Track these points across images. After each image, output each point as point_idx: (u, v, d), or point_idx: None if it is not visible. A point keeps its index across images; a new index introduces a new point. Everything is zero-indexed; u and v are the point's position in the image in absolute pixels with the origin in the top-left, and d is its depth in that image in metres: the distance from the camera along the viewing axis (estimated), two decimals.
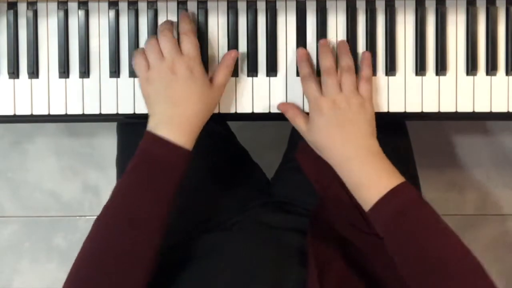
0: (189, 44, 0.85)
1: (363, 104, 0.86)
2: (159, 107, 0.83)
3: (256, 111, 0.92)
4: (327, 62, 0.87)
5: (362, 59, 0.90)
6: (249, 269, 0.82)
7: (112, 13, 0.92)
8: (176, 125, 0.81)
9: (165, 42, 0.85)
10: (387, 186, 0.80)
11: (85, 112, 0.92)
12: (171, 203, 0.81)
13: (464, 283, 0.75)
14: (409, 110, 0.92)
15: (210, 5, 0.92)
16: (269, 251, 0.87)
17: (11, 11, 0.91)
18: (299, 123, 0.88)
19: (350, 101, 0.85)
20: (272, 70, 0.91)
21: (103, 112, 0.92)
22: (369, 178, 0.81)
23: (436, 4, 0.92)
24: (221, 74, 0.88)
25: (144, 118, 0.88)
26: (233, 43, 0.91)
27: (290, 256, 0.86)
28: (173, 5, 0.92)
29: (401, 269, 0.78)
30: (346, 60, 0.88)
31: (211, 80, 0.87)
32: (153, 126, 0.82)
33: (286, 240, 0.89)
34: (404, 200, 0.79)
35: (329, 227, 0.91)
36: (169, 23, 0.88)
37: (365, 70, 0.89)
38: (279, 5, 0.92)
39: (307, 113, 0.88)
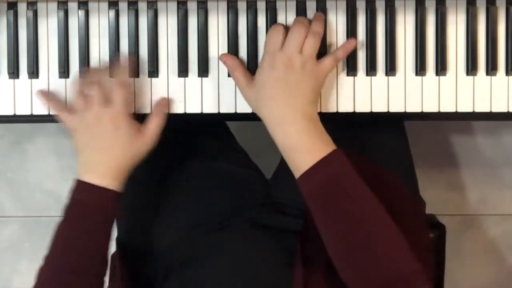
0: (118, 98, 0.85)
1: (316, 72, 0.85)
2: (85, 155, 0.86)
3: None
4: (302, 18, 0.87)
5: (346, 42, 0.89)
6: (242, 269, 0.83)
7: (112, 13, 0.92)
8: (102, 172, 0.84)
9: (94, 92, 0.85)
10: (320, 152, 0.79)
11: None
12: (107, 239, 0.84)
13: (384, 254, 0.76)
14: (409, 110, 0.92)
15: (210, 5, 0.92)
16: (261, 252, 0.87)
17: (11, 11, 0.91)
18: (238, 75, 0.87)
19: (305, 63, 0.84)
20: None
21: None
22: (305, 143, 0.80)
23: (436, 4, 0.92)
24: (152, 123, 0.88)
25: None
26: (233, 43, 0.91)
27: (282, 257, 0.86)
28: (173, 5, 0.92)
29: (326, 240, 0.79)
30: (318, 26, 0.87)
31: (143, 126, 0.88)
32: (80, 172, 0.85)
33: (279, 241, 0.89)
34: (335, 167, 0.79)
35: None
36: (100, 70, 0.89)
37: (340, 52, 0.88)
38: (279, 5, 0.92)
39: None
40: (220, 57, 0.90)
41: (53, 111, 0.89)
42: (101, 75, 0.88)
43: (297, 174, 0.80)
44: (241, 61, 0.90)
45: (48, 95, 0.90)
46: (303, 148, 0.80)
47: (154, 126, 0.88)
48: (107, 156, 0.84)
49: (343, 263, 0.78)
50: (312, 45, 0.85)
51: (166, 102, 0.90)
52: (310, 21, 0.88)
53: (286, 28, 0.87)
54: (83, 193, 0.84)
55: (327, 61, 0.86)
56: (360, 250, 0.76)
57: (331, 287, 0.81)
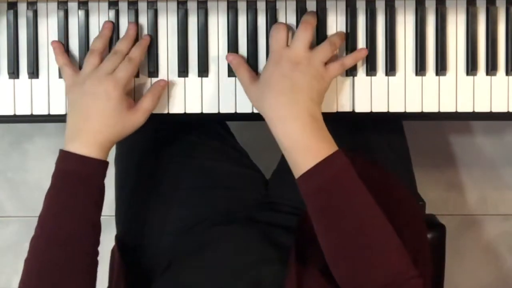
0: (124, 70, 0.86)
1: (322, 74, 0.84)
2: (73, 117, 0.85)
3: (255, 111, 0.92)
4: (309, 17, 0.86)
5: (357, 51, 0.89)
6: (233, 267, 0.83)
7: (112, 13, 0.92)
8: (86, 139, 0.83)
9: (109, 59, 0.86)
10: (323, 152, 0.79)
11: None
12: (97, 208, 0.84)
13: (381, 259, 0.76)
14: (409, 110, 0.92)
15: (210, 5, 0.92)
16: (255, 249, 0.87)
17: (11, 11, 0.91)
18: (243, 73, 0.87)
19: (312, 63, 0.83)
20: None
21: None
22: (307, 141, 0.79)
23: (436, 4, 0.92)
24: (146, 100, 0.87)
25: None
26: (233, 43, 0.91)
27: (276, 254, 0.86)
28: (173, 5, 0.92)
29: (322, 241, 0.79)
30: (337, 38, 0.87)
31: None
32: (67, 139, 0.85)
33: (275, 238, 0.90)
34: (337, 168, 0.79)
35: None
36: (129, 40, 0.90)
37: (348, 60, 0.87)
38: (279, 5, 0.92)
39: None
40: (226, 57, 0.89)
41: (59, 63, 0.90)
42: (119, 45, 0.89)
43: (298, 173, 0.80)
44: (245, 59, 0.89)
45: (60, 46, 0.90)
46: (305, 146, 0.79)
47: (146, 105, 0.87)
48: (93, 123, 0.83)
49: (338, 266, 0.78)
50: (324, 50, 0.85)
51: (164, 84, 0.90)
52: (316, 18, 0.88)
53: (288, 27, 0.87)
54: (67, 162, 0.83)
55: (334, 66, 0.85)
56: (356, 254, 0.76)
57: (325, 284, 0.81)
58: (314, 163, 0.78)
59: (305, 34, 0.84)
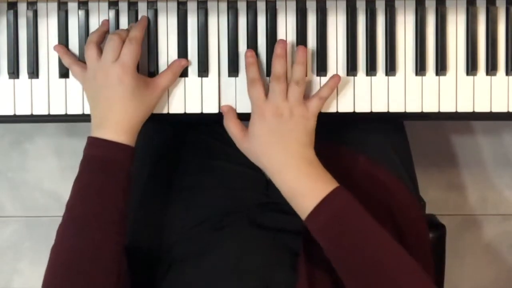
0: (127, 52, 0.86)
1: (305, 116, 0.86)
2: (96, 109, 0.87)
3: None
4: (278, 69, 0.87)
5: (329, 80, 0.89)
6: (238, 270, 0.83)
7: (112, 13, 0.92)
8: (113, 125, 0.84)
9: (108, 46, 0.86)
10: (322, 192, 0.80)
11: (85, 112, 0.92)
12: (124, 194, 0.84)
13: (401, 283, 0.76)
14: (409, 110, 0.92)
15: (210, 5, 0.92)
16: (261, 252, 0.87)
17: (11, 11, 0.91)
18: (233, 127, 0.88)
19: (293, 110, 0.85)
20: (271, 70, 0.91)
21: None
22: (305, 186, 0.82)
23: (436, 4, 0.92)
24: (164, 77, 0.89)
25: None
26: (233, 43, 0.91)
27: (283, 257, 0.86)
28: (173, 5, 0.92)
29: (341, 274, 0.79)
30: (299, 72, 0.88)
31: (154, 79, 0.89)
32: (93, 128, 0.86)
33: (280, 241, 0.90)
34: (339, 205, 0.80)
35: None
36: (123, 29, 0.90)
37: (325, 91, 0.88)
38: (279, 5, 0.92)
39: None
40: (221, 108, 0.91)
41: (66, 63, 0.90)
42: (113, 32, 0.89)
43: (303, 216, 0.81)
44: (235, 112, 0.91)
45: (63, 48, 0.91)
46: (304, 191, 0.81)
47: (165, 81, 0.89)
48: (115, 110, 0.85)
49: None
50: (296, 91, 0.86)
51: (185, 63, 0.91)
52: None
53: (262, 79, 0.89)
54: (94, 148, 0.84)
55: (313, 102, 0.87)
56: (376, 283, 0.76)
57: (335, 285, 0.81)
58: (315, 203, 0.80)
59: (278, 86, 0.86)
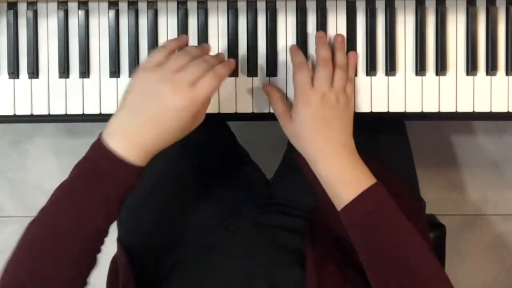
0: (208, 86, 0.75)
1: (348, 103, 0.86)
2: (125, 112, 0.75)
3: (256, 111, 0.92)
4: (324, 53, 0.87)
5: (349, 60, 0.89)
6: (245, 269, 0.83)
7: (112, 13, 0.92)
8: (134, 141, 0.74)
9: (197, 67, 0.76)
10: (361, 186, 0.81)
11: (85, 112, 0.92)
12: (113, 214, 0.75)
13: (423, 281, 0.77)
14: (409, 110, 0.92)
15: (210, 5, 0.92)
16: (265, 251, 0.87)
17: (11, 11, 0.91)
18: (280, 109, 0.87)
19: (339, 97, 0.85)
20: (272, 70, 0.91)
21: (103, 112, 0.92)
22: (347, 175, 0.82)
23: (436, 4, 0.92)
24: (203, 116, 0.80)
25: None
26: (233, 43, 0.91)
27: (287, 256, 0.86)
28: (173, 5, 0.92)
29: (365, 263, 0.80)
30: (342, 57, 0.88)
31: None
32: (108, 131, 0.75)
33: (283, 240, 0.90)
34: (378, 200, 0.81)
35: (327, 227, 0.91)
36: (207, 49, 0.83)
37: (351, 71, 0.89)
38: (279, 5, 0.92)
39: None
40: (264, 88, 0.90)
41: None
42: (200, 52, 0.80)
43: (340, 205, 0.81)
44: (282, 92, 0.90)
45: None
46: (346, 180, 0.81)
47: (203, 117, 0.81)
48: (151, 131, 0.74)
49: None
50: (342, 77, 0.86)
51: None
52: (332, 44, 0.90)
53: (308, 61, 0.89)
54: (101, 157, 0.73)
55: (349, 88, 0.87)
56: (402, 283, 0.77)
57: (345, 281, 0.81)
58: (354, 195, 0.80)
59: (325, 71, 0.85)
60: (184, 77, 0.75)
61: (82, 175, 0.75)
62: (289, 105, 0.88)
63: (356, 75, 0.91)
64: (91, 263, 0.75)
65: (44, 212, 0.76)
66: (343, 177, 0.82)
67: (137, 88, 0.76)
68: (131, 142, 0.73)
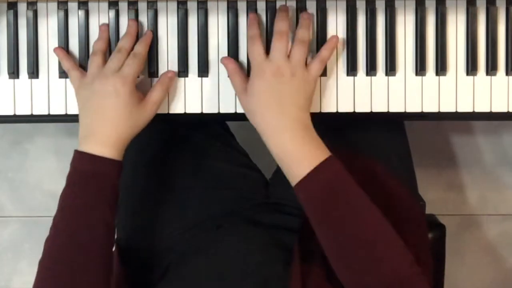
0: (128, 66, 0.85)
1: (306, 79, 0.85)
2: (85, 119, 0.85)
3: None
4: (281, 26, 0.86)
5: (328, 41, 0.89)
6: (239, 267, 0.83)
7: (112, 13, 0.92)
8: (101, 139, 0.83)
9: (114, 57, 0.86)
10: (315, 160, 0.79)
11: None
12: (111, 209, 0.83)
13: (383, 259, 0.76)
14: (409, 110, 0.92)
15: (210, 5, 0.92)
16: (260, 250, 0.87)
17: (11, 11, 0.91)
18: (236, 81, 0.87)
19: (294, 71, 0.83)
20: None
21: None
22: (299, 150, 0.80)
23: (436, 4, 0.92)
24: (155, 92, 0.88)
25: None
26: (233, 43, 0.91)
27: (281, 255, 0.86)
28: (173, 5, 0.92)
29: (324, 245, 0.79)
30: (303, 32, 0.87)
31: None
32: (80, 140, 0.84)
33: (279, 240, 0.90)
34: (331, 174, 0.79)
35: None
36: (131, 37, 0.90)
37: (325, 53, 0.88)
38: (279, 5, 0.92)
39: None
40: (221, 60, 0.89)
41: (65, 67, 0.90)
42: (121, 42, 0.89)
43: (294, 182, 0.81)
44: (241, 67, 0.89)
45: (63, 51, 0.90)
46: (298, 155, 0.80)
47: (155, 97, 0.87)
48: (105, 123, 0.83)
49: (341, 268, 0.78)
50: (300, 51, 0.85)
51: (172, 75, 0.90)
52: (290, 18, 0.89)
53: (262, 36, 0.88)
54: (81, 162, 0.83)
55: (314, 65, 0.86)
56: (358, 256, 0.76)
57: (329, 283, 0.81)
58: (309, 170, 0.79)
59: (281, 43, 0.85)
60: (108, 67, 0.85)
61: (76, 183, 0.83)
62: (245, 75, 0.88)
63: (356, 74, 0.90)
64: (111, 259, 0.84)
65: (56, 225, 0.82)
66: (295, 151, 0.80)
67: (81, 98, 0.87)
68: (97, 140, 0.83)
